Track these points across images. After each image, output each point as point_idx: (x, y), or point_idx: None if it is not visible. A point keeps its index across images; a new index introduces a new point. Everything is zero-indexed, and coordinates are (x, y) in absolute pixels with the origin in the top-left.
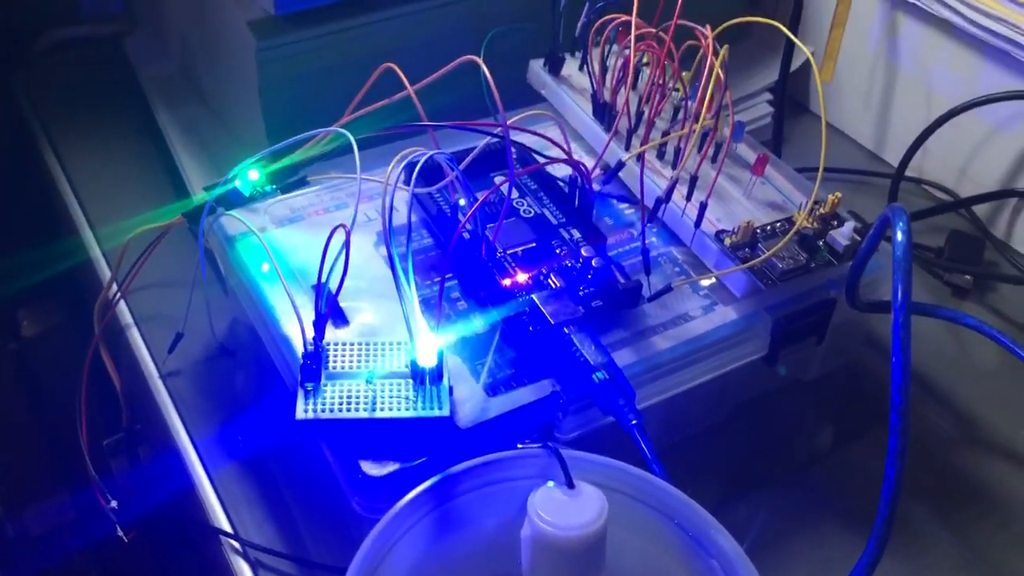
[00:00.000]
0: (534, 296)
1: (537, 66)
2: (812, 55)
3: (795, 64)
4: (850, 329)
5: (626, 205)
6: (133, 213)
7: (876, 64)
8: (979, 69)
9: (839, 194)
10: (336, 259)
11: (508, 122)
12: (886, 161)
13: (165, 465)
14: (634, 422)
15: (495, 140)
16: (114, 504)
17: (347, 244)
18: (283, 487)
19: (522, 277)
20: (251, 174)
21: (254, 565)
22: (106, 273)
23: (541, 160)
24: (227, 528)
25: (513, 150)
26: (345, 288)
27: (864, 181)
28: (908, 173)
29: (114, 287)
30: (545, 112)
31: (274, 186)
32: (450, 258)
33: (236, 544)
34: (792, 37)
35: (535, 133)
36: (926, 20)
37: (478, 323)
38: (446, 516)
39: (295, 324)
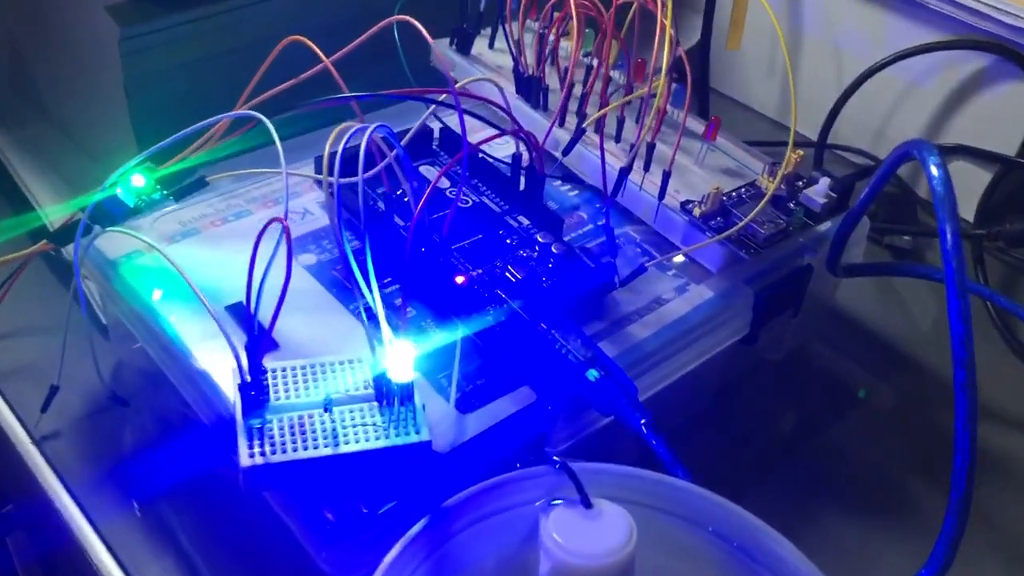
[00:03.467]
0: (499, 291)
1: (443, 46)
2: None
3: (694, 39)
4: (817, 300)
5: (569, 187)
6: None
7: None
8: (886, 25)
9: (801, 152)
10: (268, 268)
11: (456, 86)
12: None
13: (49, 551)
14: (643, 421)
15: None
16: None
17: (288, 243)
18: (210, 559)
19: (476, 272)
20: (135, 180)
21: None
22: None
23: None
24: None
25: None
26: (265, 305)
27: (777, 153)
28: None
29: None
30: (489, 78)
31: (164, 192)
32: (409, 257)
33: None
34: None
35: (483, 99)
36: None
37: (454, 330)
38: (442, 562)
39: (212, 353)
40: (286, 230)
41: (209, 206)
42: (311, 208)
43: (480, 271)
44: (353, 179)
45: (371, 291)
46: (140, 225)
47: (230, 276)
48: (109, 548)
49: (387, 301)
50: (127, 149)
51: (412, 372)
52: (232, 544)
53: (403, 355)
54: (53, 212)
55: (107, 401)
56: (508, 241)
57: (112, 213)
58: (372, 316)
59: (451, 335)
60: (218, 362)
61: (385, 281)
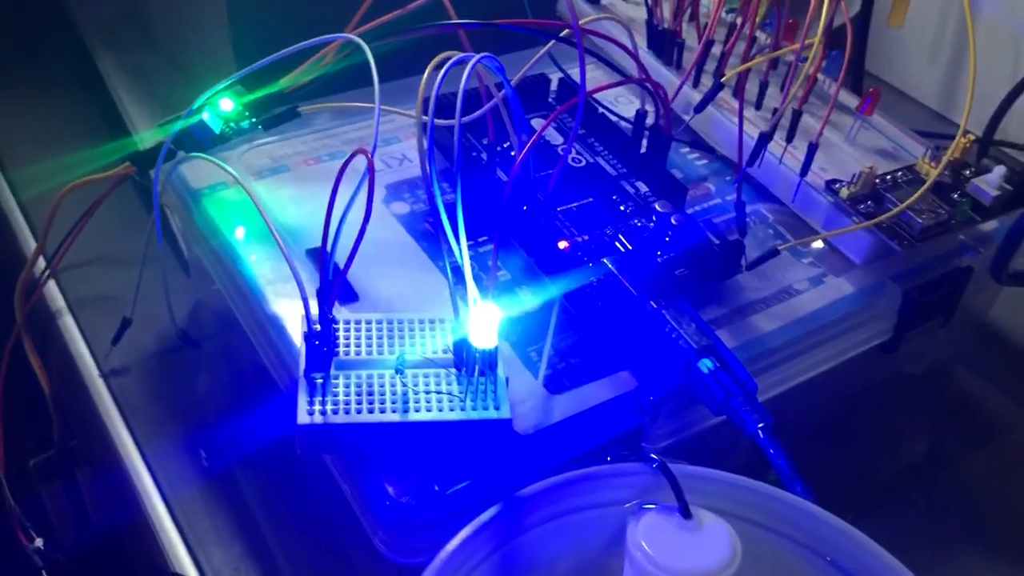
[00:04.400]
0: (607, 260)
1: None
2: None
3: (852, 10)
4: (971, 310)
5: (697, 155)
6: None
7: (948, 10)
8: None
9: (972, 136)
10: (350, 205)
11: (581, 23)
12: (954, 122)
13: (109, 491)
14: (761, 425)
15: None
16: (39, 543)
17: (371, 176)
18: (267, 520)
19: (582, 238)
20: (223, 104)
21: None
22: (27, 239)
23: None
24: (191, 574)
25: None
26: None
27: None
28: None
29: (41, 261)
30: (613, 16)
31: (253, 120)
32: (506, 212)
33: None
34: None
35: (608, 38)
36: None
37: (550, 300)
38: (511, 558)
39: (287, 300)
40: (370, 164)
41: (303, 143)
42: (410, 155)
43: (586, 237)
44: (451, 121)
45: (459, 245)
46: (228, 156)
47: (316, 219)
48: (164, 497)
49: (480, 261)
50: (227, 76)
51: (496, 339)
52: (292, 508)
53: (488, 318)
54: (147, 138)
55: (179, 341)
56: (622, 208)
57: (198, 138)
58: (459, 274)
59: (546, 305)
60: (291, 309)
61: (480, 239)
